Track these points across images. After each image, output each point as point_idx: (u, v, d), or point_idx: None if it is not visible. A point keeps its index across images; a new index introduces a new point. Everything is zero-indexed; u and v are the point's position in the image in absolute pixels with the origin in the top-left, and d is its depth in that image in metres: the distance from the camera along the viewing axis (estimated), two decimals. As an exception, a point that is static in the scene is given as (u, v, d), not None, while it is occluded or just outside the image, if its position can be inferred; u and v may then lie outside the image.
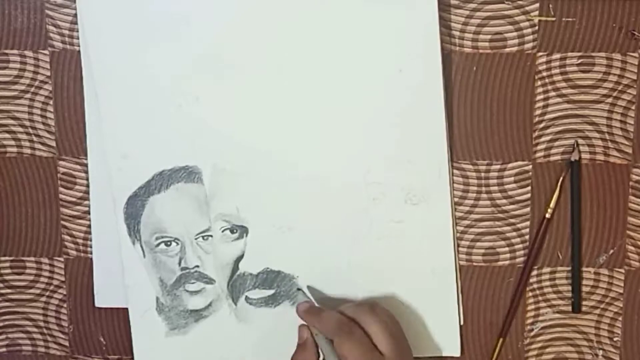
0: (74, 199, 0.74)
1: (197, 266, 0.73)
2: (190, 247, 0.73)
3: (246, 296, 0.73)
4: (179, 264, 0.73)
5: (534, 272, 0.72)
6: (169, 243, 0.73)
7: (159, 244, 0.73)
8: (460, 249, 0.72)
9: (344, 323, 0.65)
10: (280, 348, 0.72)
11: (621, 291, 0.72)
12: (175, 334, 0.74)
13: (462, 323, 0.73)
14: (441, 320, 0.72)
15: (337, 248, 0.72)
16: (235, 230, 0.72)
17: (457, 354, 0.73)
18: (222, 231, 0.72)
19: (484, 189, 0.71)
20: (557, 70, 0.70)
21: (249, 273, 0.73)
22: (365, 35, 0.68)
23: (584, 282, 0.72)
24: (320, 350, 0.67)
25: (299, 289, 0.72)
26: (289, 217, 0.71)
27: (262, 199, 0.71)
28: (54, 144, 0.74)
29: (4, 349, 0.77)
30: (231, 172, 0.71)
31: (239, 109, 0.70)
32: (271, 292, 0.73)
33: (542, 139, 0.71)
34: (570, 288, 0.72)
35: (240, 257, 0.72)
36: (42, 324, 0.77)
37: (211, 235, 0.72)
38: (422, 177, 0.70)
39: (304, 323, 0.69)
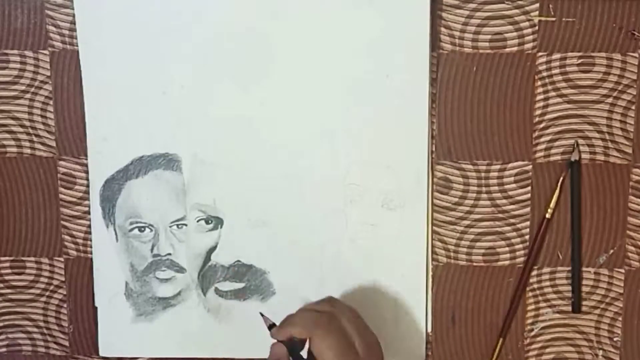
0: (74, 199, 0.74)
1: (170, 254, 0.73)
2: (164, 235, 0.73)
3: (216, 287, 0.74)
4: (151, 250, 0.73)
5: (534, 272, 0.72)
6: (142, 229, 0.73)
7: (132, 229, 0.73)
8: (460, 249, 0.72)
9: (323, 316, 0.63)
10: (247, 341, 0.72)
11: (621, 291, 0.72)
12: (141, 321, 0.74)
13: (429, 330, 0.73)
14: (408, 325, 0.73)
15: (311, 246, 0.72)
16: (210, 221, 0.72)
17: None
18: (197, 221, 0.72)
19: (484, 189, 0.71)
20: (557, 70, 0.70)
21: (220, 265, 0.73)
22: (354, 39, 0.69)
23: (584, 282, 0.72)
24: None
25: (261, 315, 0.70)
26: (265, 212, 0.72)
27: (239, 192, 0.72)
28: (54, 144, 0.74)
29: (4, 349, 0.77)
30: (211, 163, 0.72)
31: (224, 102, 0.71)
32: (241, 285, 0.73)
33: (542, 139, 0.71)
34: (570, 288, 0.72)
35: (213, 248, 0.73)
36: (42, 324, 0.77)
37: (186, 224, 0.73)
38: (400, 183, 0.71)
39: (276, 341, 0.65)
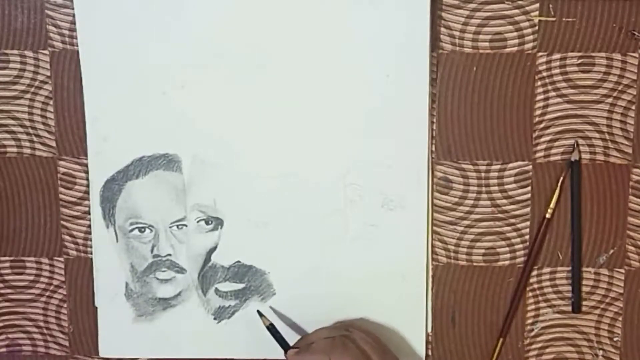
0: (74, 199, 0.74)
1: (170, 255, 0.73)
2: (164, 235, 0.73)
3: (216, 288, 0.74)
4: (152, 251, 0.73)
5: (534, 272, 0.72)
6: (143, 229, 0.73)
7: (132, 230, 0.73)
8: (460, 249, 0.72)
9: (336, 339, 0.66)
10: (247, 341, 0.72)
11: (621, 291, 0.72)
12: (142, 321, 0.74)
13: (429, 330, 0.73)
14: (408, 327, 0.73)
15: (311, 246, 0.72)
16: (210, 222, 0.72)
17: None
18: (197, 222, 0.73)
19: (484, 189, 0.71)
20: (557, 71, 0.70)
21: (221, 265, 0.73)
22: (354, 39, 0.69)
23: (584, 282, 0.72)
24: None
25: (260, 315, 0.72)
26: (266, 213, 0.72)
27: (240, 193, 0.72)
28: (54, 144, 0.74)
29: (4, 349, 0.77)
30: (211, 164, 0.72)
31: (224, 102, 0.71)
32: (241, 286, 0.73)
33: (542, 139, 0.71)
34: (570, 288, 0.72)
35: (214, 249, 0.73)
36: (42, 324, 0.77)
37: (186, 225, 0.73)
38: (400, 183, 0.71)
39: None
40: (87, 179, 0.73)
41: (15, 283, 0.76)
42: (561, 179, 0.71)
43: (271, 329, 0.71)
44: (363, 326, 0.71)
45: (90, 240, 0.74)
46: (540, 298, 0.73)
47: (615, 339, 0.73)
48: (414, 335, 0.73)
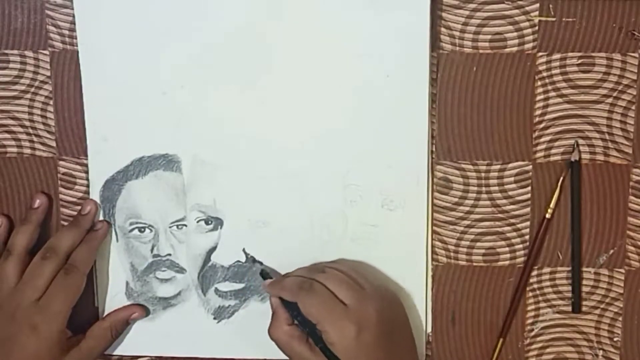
0: (74, 199, 0.74)
1: (169, 254, 0.73)
2: (164, 235, 0.73)
3: (216, 288, 0.74)
4: (152, 250, 0.73)
5: (534, 272, 0.72)
6: (142, 229, 0.73)
7: (132, 230, 0.73)
8: (460, 249, 0.72)
9: (304, 282, 0.66)
10: (246, 341, 0.73)
11: (621, 291, 0.72)
12: (142, 320, 0.75)
13: (429, 330, 0.73)
14: None
15: (311, 247, 0.72)
16: (210, 222, 0.72)
17: None
18: (197, 222, 0.73)
19: (484, 189, 0.71)
20: (557, 71, 0.70)
21: (220, 265, 0.73)
22: (354, 39, 0.69)
23: (584, 282, 0.72)
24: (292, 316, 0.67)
25: (255, 261, 0.72)
26: (265, 213, 0.72)
27: (239, 193, 0.72)
28: (54, 144, 0.74)
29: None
30: (211, 164, 0.72)
31: (224, 102, 0.71)
32: (241, 285, 0.73)
33: (542, 139, 0.71)
34: (570, 288, 0.72)
35: (213, 249, 0.73)
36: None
37: (186, 225, 0.73)
38: (400, 183, 0.71)
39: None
40: (87, 179, 0.73)
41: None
42: (561, 179, 0.71)
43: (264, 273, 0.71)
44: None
45: (90, 240, 0.74)
46: (540, 298, 0.73)
47: (615, 339, 0.73)
48: (414, 335, 0.73)
